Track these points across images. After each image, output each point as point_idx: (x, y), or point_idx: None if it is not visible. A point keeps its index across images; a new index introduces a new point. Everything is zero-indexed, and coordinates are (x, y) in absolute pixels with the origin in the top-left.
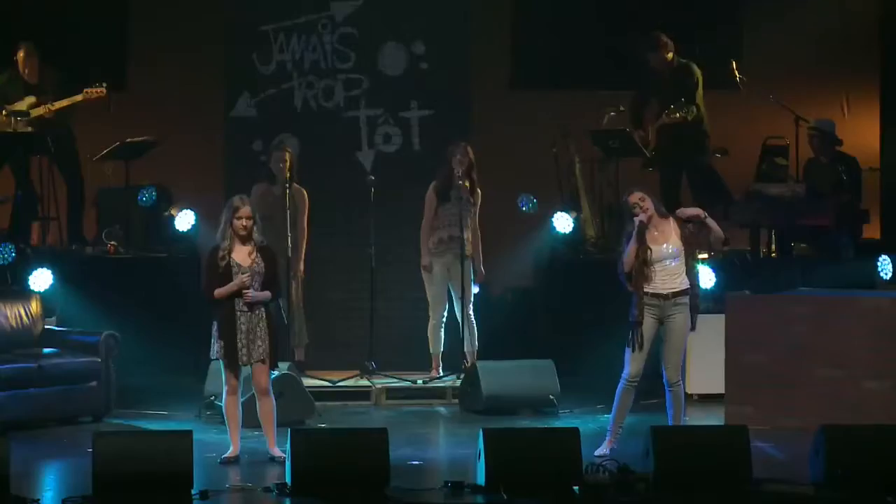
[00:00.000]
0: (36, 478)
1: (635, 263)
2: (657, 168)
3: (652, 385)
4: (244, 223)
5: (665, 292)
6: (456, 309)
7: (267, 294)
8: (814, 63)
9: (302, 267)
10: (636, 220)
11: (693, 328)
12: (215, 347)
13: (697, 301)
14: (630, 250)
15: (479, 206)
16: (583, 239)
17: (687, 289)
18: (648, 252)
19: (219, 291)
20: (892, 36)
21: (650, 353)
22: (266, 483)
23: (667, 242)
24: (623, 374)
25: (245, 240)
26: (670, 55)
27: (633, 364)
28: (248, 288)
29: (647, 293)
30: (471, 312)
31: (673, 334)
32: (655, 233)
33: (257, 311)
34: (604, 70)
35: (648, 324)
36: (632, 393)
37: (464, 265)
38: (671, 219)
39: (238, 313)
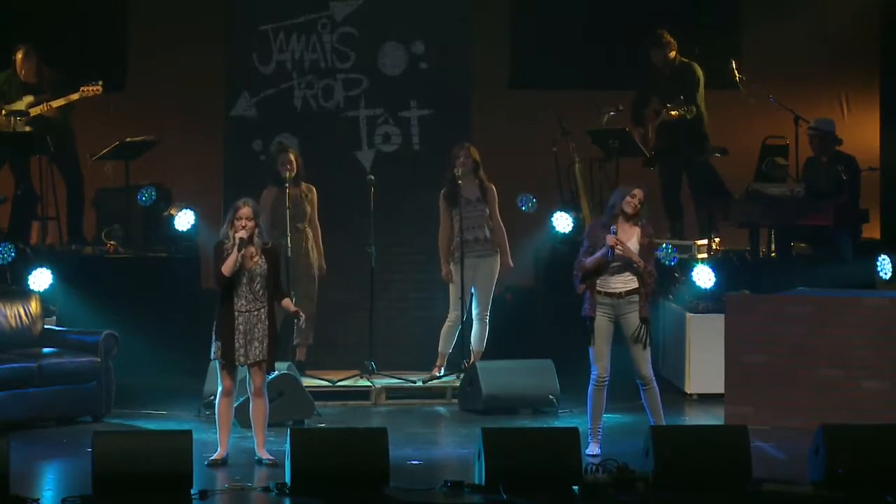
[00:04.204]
0: (36, 478)
1: (593, 268)
2: (657, 167)
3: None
4: (243, 223)
5: (619, 291)
6: (474, 308)
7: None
8: (814, 63)
9: (324, 264)
10: (609, 245)
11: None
12: (213, 347)
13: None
14: (596, 259)
15: (496, 202)
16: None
17: (637, 287)
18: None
19: (225, 266)
20: (892, 36)
21: (612, 353)
22: (265, 483)
23: (629, 242)
24: (591, 376)
25: (246, 242)
26: (672, 53)
27: (598, 364)
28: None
29: (600, 292)
30: (487, 315)
31: (631, 332)
32: (622, 233)
33: (256, 312)
34: (603, 70)
35: (603, 324)
36: (602, 393)
37: (487, 267)
38: (640, 226)
39: (236, 313)
